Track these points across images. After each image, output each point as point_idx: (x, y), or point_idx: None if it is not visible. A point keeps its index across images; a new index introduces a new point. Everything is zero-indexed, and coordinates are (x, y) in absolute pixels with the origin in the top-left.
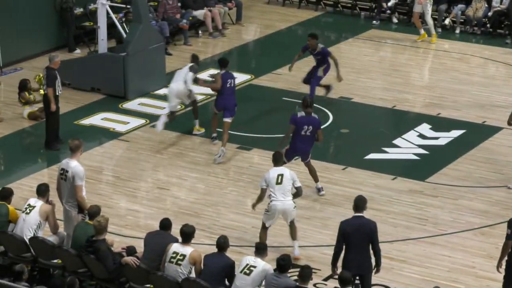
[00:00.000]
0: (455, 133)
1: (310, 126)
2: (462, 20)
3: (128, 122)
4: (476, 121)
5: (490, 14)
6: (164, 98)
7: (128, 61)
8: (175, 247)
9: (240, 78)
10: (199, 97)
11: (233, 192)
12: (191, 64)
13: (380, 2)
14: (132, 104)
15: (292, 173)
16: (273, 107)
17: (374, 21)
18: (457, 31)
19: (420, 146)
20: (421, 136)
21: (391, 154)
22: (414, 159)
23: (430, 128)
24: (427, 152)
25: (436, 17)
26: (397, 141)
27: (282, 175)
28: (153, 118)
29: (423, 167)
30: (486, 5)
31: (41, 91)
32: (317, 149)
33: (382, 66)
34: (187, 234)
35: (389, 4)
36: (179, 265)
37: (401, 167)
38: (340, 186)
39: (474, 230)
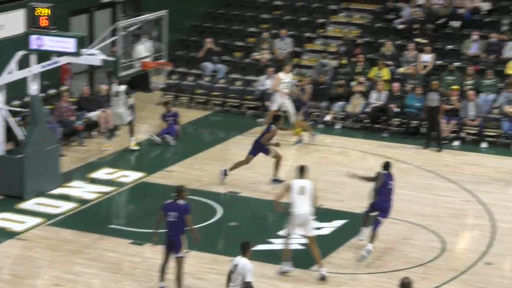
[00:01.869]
0: (337, 222)
1: (176, 213)
2: (342, 116)
3: (25, 222)
4: (357, 211)
5: (368, 110)
6: (59, 197)
7: (25, 162)
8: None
9: (133, 176)
10: None
11: (127, 287)
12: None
13: (264, 102)
14: (28, 204)
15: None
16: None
17: (260, 119)
18: (338, 126)
19: (303, 236)
20: None
21: (276, 244)
22: (299, 248)
23: (314, 219)
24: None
25: (318, 113)
26: (282, 232)
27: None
28: (49, 217)
29: (307, 256)
30: (364, 102)
31: None
32: (207, 241)
33: (268, 160)
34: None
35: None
36: None
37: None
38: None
39: None
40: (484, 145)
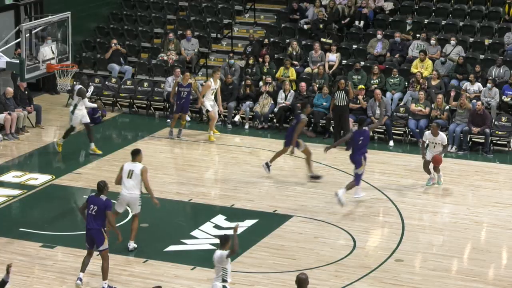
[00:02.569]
0: (249, 222)
1: (96, 207)
2: (250, 116)
3: None
4: (267, 210)
5: (276, 110)
6: None
7: None
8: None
9: (42, 179)
10: None
11: None
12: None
13: (171, 102)
14: None
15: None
16: (75, 205)
17: (168, 120)
18: (246, 126)
19: (216, 236)
20: (217, 226)
21: (190, 245)
22: (211, 249)
23: (225, 219)
24: None
25: (226, 114)
26: (194, 233)
27: None
28: None
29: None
30: (272, 102)
31: None
32: (119, 244)
33: (177, 162)
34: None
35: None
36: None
37: (199, 257)
38: (142, 279)
39: None
40: (391, 143)
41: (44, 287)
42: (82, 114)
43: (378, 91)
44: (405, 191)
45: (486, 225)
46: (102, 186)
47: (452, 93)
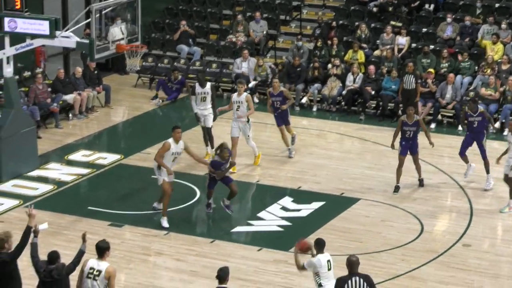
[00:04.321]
0: (316, 204)
1: None
2: (318, 99)
3: (2, 204)
4: (334, 193)
5: (344, 92)
6: (37, 179)
7: (1, 144)
8: (92, 262)
9: (110, 158)
10: None
11: None
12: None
13: None
14: (6, 186)
15: None
16: (142, 186)
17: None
18: (314, 109)
19: (283, 218)
20: (284, 208)
21: (256, 226)
22: (278, 230)
23: (292, 201)
24: (290, 224)
25: (294, 96)
26: (261, 214)
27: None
28: (26, 198)
29: (286, 238)
30: (340, 85)
31: None
32: (186, 223)
33: (245, 143)
34: (102, 249)
35: (250, 85)
36: (96, 280)
37: (266, 239)
38: (208, 259)
39: None
40: (460, 128)
41: (111, 265)
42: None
43: (451, 75)
44: (473, 175)
45: None
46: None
47: None
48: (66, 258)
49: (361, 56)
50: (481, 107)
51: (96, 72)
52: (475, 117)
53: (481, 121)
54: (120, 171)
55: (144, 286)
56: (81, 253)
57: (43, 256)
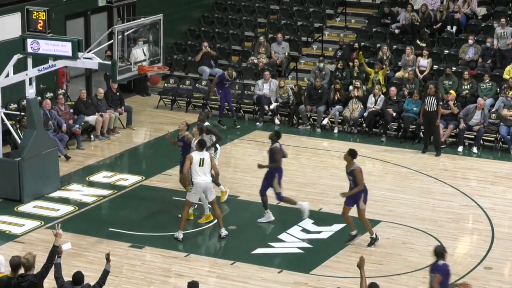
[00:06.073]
0: (337, 226)
1: None
2: (340, 121)
3: (24, 224)
4: (356, 215)
5: (365, 114)
6: (58, 200)
7: (23, 165)
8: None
9: (131, 179)
10: None
11: None
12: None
13: (262, 105)
14: (27, 207)
15: None
16: (164, 207)
17: (258, 123)
18: (335, 130)
19: (303, 240)
20: (305, 230)
21: (277, 248)
22: (299, 252)
23: (313, 223)
24: (310, 246)
25: (316, 118)
26: (282, 236)
27: None
28: (47, 219)
29: (307, 260)
30: (362, 106)
31: None
32: (206, 246)
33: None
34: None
35: (272, 106)
36: None
37: (286, 261)
38: (229, 281)
39: None
40: (475, 149)
41: (132, 287)
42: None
43: (482, 101)
44: (495, 198)
45: None
46: None
47: None
48: (87, 279)
49: (383, 73)
50: None
51: (118, 93)
52: None
53: None
54: (141, 192)
55: None
56: (106, 273)
57: (65, 277)
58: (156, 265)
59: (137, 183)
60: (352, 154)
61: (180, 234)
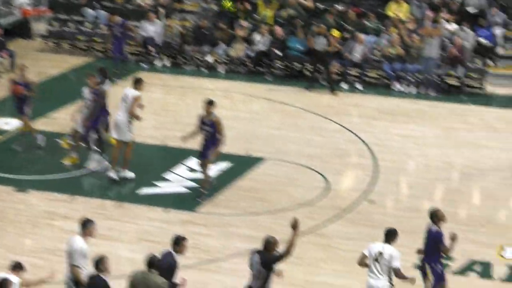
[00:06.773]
0: (222, 165)
1: None
2: (225, 61)
3: None
4: (241, 154)
5: (251, 54)
6: None
7: None
8: None
9: (13, 123)
10: None
11: (11, 234)
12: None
13: (147, 47)
14: None
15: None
16: (47, 150)
17: (144, 64)
18: (221, 70)
19: (189, 179)
20: (190, 169)
21: (162, 188)
22: (185, 191)
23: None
24: (196, 185)
25: (201, 58)
26: (167, 175)
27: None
28: None
29: (193, 198)
30: (247, 46)
31: None
32: (93, 187)
33: (153, 106)
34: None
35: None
36: None
37: (172, 200)
38: (116, 221)
39: (243, 255)
40: (358, 86)
41: (16, 230)
42: None
43: (361, 36)
44: (378, 133)
45: (459, 167)
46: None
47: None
48: None
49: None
50: None
51: (1, 38)
52: None
53: None
54: (24, 136)
55: (49, 251)
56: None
57: None
58: (41, 208)
59: (20, 126)
60: (210, 103)
61: (128, 173)
